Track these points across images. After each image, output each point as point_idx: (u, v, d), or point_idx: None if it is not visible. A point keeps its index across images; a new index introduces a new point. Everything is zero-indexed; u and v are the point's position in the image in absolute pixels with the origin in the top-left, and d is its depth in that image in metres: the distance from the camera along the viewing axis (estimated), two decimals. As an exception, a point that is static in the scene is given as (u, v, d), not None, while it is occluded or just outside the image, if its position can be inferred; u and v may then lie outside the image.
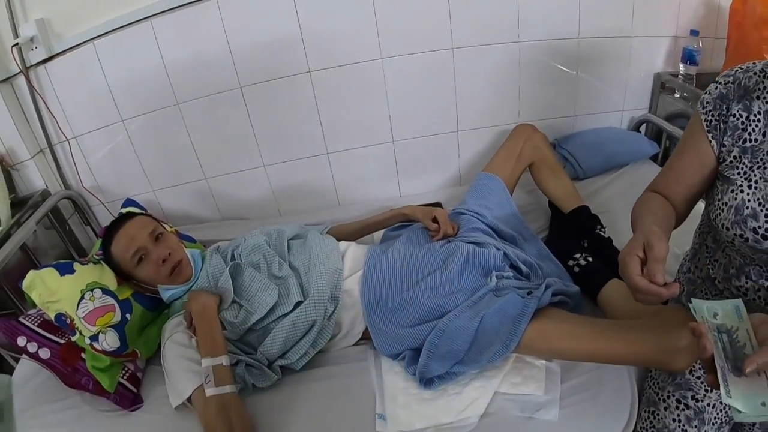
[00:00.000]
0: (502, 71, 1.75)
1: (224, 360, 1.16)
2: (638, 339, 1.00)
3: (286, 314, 1.26)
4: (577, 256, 1.43)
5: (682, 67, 1.78)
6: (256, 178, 1.84)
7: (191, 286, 1.36)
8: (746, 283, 0.93)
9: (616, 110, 1.91)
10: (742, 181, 0.88)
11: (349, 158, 1.83)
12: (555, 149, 1.86)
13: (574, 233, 1.54)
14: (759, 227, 0.85)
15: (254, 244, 1.41)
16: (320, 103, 1.73)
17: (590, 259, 1.42)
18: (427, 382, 1.17)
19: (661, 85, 1.85)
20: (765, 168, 0.87)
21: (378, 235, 1.61)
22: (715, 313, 0.73)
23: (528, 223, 1.61)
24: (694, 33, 1.75)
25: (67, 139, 1.75)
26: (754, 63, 0.89)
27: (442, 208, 1.71)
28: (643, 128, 1.95)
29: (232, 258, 1.40)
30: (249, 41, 1.61)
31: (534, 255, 1.44)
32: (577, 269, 1.41)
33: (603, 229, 1.53)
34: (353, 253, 1.42)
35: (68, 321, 1.25)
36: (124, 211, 1.61)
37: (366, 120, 1.78)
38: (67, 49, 1.63)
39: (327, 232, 1.53)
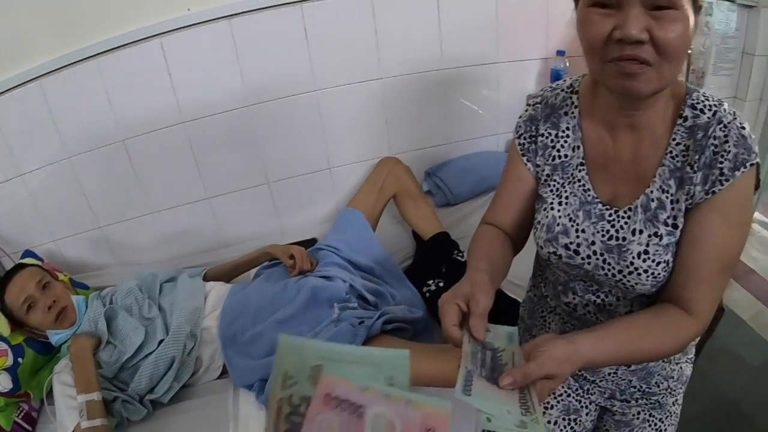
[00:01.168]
0: (368, 108, 1.95)
1: (95, 396, 1.41)
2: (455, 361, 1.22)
3: (152, 352, 1.52)
4: (431, 282, 1.67)
5: (550, 88, 2.01)
6: (146, 224, 2.01)
7: (75, 330, 1.61)
8: (573, 298, 0.99)
9: (491, 134, 2.12)
10: (553, 199, 0.94)
11: (229, 201, 2.01)
12: (428, 178, 2.08)
13: (432, 260, 1.77)
14: (570, 243, 0.90)
15: (127, 288, 1.67)
16: (195, 151, 1.91)
17: (442, 284, 1.65)
18: (275, 408, 1.42)
19: (533, 107, 2.05)
20: (575, 183, 0.92)
21: (253, 272, 1.85)
22: (488, 330, 0.78)
23: (396, 252, 1.84)
24: (560, 53, 1.98)
25: (-30, 193, 1.94)
26: (564, 80, 0.96)
27: (316, 243, 1.98)
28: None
29: (110, 302, 1.66)
30: (130, 97, 1.82)
31: (392, 283, 1.70)
32: (428, 294, 1.64)
33: (461, 254, 1.77)
34: (217, 292, 1.67)
35: (-33, 365, 1.54)
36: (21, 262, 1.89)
37: (239, 163, 1.97)
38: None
39: (204, 274, 1.78)
